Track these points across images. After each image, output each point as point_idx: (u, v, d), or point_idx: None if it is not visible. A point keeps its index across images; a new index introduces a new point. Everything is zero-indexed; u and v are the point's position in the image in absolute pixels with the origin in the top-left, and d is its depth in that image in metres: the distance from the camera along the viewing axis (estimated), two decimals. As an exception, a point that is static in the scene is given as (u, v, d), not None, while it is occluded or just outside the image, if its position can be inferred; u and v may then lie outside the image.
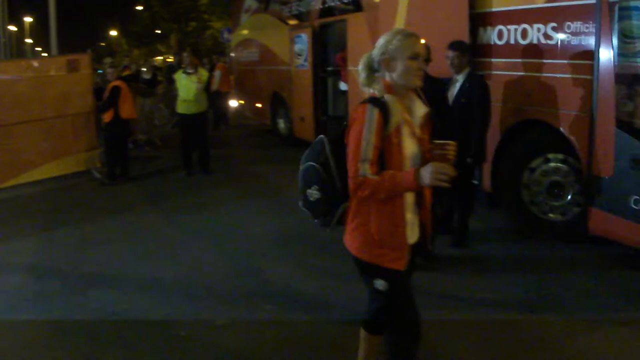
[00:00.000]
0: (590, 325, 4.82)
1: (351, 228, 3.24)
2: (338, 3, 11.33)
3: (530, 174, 6.75)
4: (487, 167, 7.16)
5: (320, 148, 3.32)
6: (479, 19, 7.42)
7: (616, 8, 5.74)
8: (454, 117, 6.08)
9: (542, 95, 6.58)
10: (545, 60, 6.59)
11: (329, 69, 12.13)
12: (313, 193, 3.28)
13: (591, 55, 5.92)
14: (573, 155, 6.37)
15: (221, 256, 6.63)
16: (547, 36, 6.55)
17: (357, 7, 10.49)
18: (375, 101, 3.07)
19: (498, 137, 7.01)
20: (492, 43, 7.25)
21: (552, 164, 6.64)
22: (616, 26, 5.71)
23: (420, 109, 3.24)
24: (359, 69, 3.27)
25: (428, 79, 5.91)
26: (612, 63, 5.69)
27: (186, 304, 5.38)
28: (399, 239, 3.17)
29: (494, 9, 7.28)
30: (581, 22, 6.19)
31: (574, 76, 6.24)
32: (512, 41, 7.01)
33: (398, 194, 3.07)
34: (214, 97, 15.51)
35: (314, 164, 3.29)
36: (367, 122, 3.02)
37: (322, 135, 3.39)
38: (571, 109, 6.26)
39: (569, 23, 6.32)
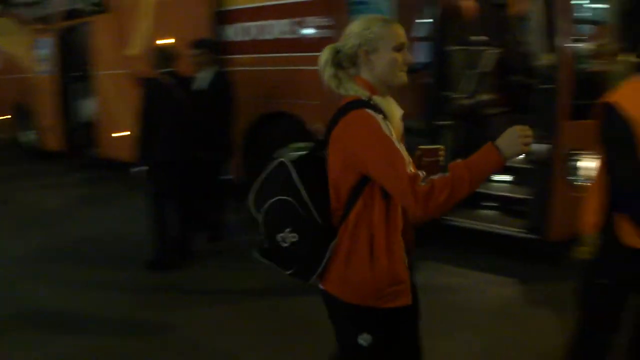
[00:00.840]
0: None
1: (348, 269, 2.50)
2: (83, 5, 10.83)
3: (278, 163, 6.84)
4: (238, 161, 7.18)
5: (284, 176, 2.51)
6: (224, 17, 7.46)
7: (350, 1, 6.07)
8: (201, 115, 6.03)
9: (287, 88, 6.77)
10: (288, 54, 6.77)
11: (77, 74, 11.54)
12: (287, 237, 2.50)
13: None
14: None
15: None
16: (288, 31, 6.74)
17: (103, 9, 10.09)
18: (369, 105, 2.42)
19: (247, 130, 7.07)
20: (238, 40, 7.31)
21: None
22: (350, 18, 6.02)
23: (399, 111, 2.62)
24: (320, 65, 2.56)
25: (179, 78, 5.88)
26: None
27: None
28: (403, 268, 2.57)
29: (238, 6, 7.37)
30: (320, 16, 6.44)
31: (314, 68, 6.41)
32: (256, 37, 7.12)
33: (481, 182, 2.37)
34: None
35: (284, 197, 2.50)
36: (383, 127, 2.36)
37: (281, 159, 2.54)
38: (313, 99, 6.46)
39: (308, 17, 6.55)
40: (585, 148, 5.09)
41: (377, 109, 2.44)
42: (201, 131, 5.86)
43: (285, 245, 2.52)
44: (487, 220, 5.86)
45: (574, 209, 3.36)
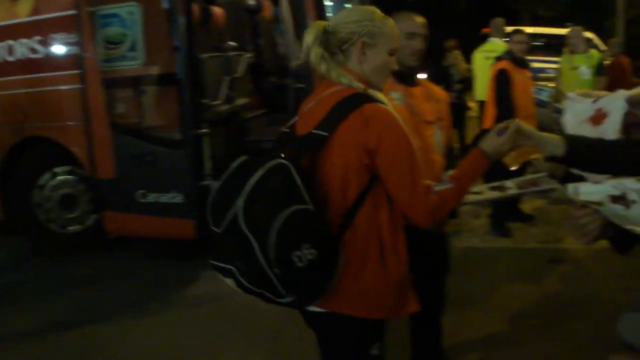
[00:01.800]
0: (129, 327, 4.85)
1: (357, 283, 2.24)
2: None
3: (40, 191, 6.48)
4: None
5: (287, 183, 2.11)
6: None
7: (96, 16, 5.88)
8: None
9: (38, 110, 6.33)
10: (35, 75, 6.36)
11: None
12: (304, 254, 2.05)
13: (79, 64, 5.95)
14: (79, 164, 6.31)
15: None
16: (34, 50, 6.36)
17: None
18: (377, 100, 2.25)
19: (2, 159, 6.59)
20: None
21: (60, 178, 6.48)
22: (98, 33, 5.85)
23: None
24: (306, 42, 2.29)
25: None
26: (99, 69, 5.82)
27: None
28: (407, 270, 2.36)
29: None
30: (66, 33, 6.15)
31: (66, 87, 6.17)
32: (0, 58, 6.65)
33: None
34: None
35: (303, 207, 2.09)
36: (401, 123, 2.23)
37: (281, 160, 2.13)
38: (68, 120, 6.19)
39: (54, 35, 6.23)
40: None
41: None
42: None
43: (299, 265, 2.05)
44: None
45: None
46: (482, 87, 7.87)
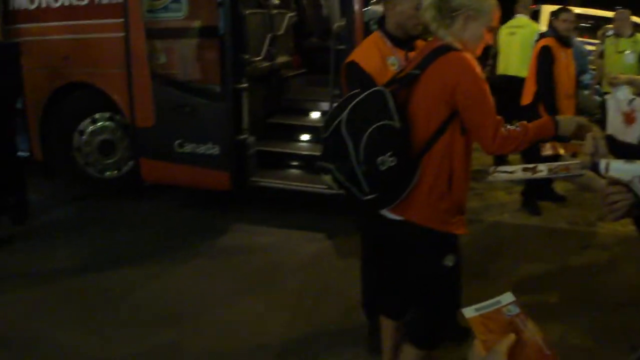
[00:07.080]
0: (155, 273, 4.97)
1: (431, 197, 2.76)
2: None
3: (80, 136, 6.60)
4: (35, 136, 6.81)
5: (380, 103, 2.68)
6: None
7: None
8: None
9: (81, 56, 6.43)
10: (80, 22, 6.42)
11: None
12: (387, 160, 2.60)
13: (122, 12, 5.99)
14: (118, 111, 6.42)
15: None
16: (81, -3, 6.43)
17: None
18: (459, 50, 2.72)
19: (42, 103, 6.68)
20: (24, 8, 6.85)
21: (100, 124, 6.59)
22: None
23: None
24: (425, 5, 2.78)
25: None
26: (142, 19, 5.86)
27: None
28: (466, 201, 2.93)
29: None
30: (112, -18, 6.20)
31: (109, 35, 6.23)
32: (44, 4, 6.70)
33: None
34: None
35: (390, 123, 2.64)
36: (478, 70, 2.71)
37: (380, 88, 2.76)
38: (110, 67, 6.28)
39: (99, -18, 6.28)
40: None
41: None
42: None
43: (382, 169, 2.61)
44: (295, 180, 6.04)
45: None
46: (505, 62, 7.89)
